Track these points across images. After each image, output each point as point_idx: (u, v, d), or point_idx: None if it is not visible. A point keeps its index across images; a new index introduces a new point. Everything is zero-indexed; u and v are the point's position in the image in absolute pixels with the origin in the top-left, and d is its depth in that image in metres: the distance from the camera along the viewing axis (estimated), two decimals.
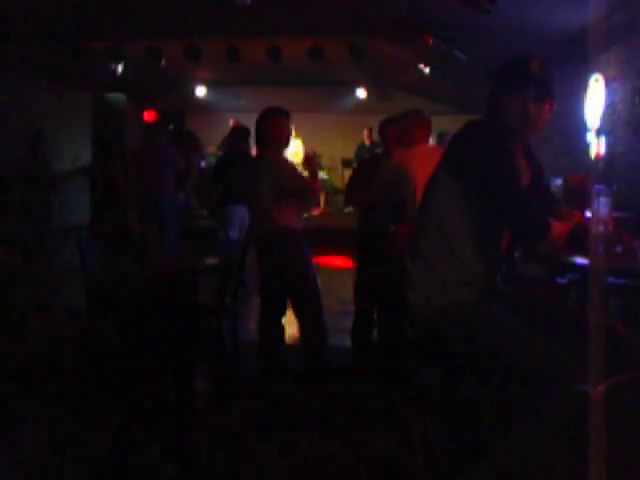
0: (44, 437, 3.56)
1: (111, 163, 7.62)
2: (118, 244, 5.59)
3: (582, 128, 6.56)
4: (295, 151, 12.02)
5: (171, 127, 8.85)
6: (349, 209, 10.43)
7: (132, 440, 3.53)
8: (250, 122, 7.98)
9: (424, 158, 3.32)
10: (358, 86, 12.43)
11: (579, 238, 2.31)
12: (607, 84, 6.14)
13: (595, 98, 6.31)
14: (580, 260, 2.77)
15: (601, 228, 2.39)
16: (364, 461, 3.32)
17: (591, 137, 6.38)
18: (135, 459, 3.35)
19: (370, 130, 11.61)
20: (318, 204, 11.13)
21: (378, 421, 3.78)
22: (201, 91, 12.62)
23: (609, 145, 6.11)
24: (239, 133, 6.92)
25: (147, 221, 6.85)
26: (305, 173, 4.50)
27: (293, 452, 3.43)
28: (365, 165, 4.48)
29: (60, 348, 4.94)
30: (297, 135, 12.18)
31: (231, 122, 6.95)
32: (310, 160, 4.54)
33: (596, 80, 6.30)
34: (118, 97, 12.17)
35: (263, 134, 4.15)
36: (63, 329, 5.35)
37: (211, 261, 4.54)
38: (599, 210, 2.47)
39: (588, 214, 2.77)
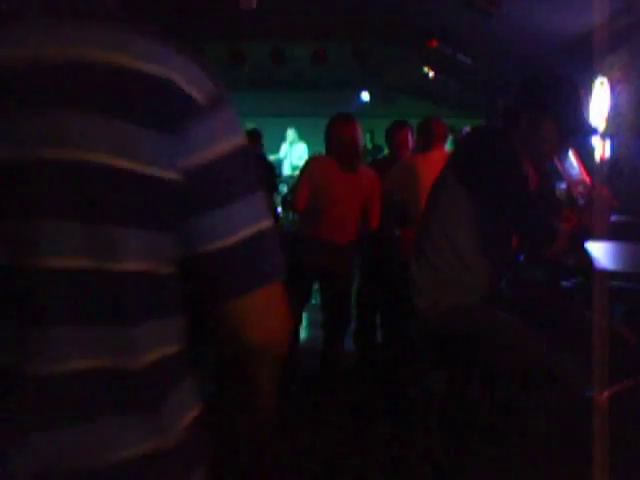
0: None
1: None
2: None
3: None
4: (300, 155, 12.01)
5: None
6: None
7: None
8: (254, 126, 8.01)
9: (436, 163, 3.32)
10: (362, 90, 12.42)
11: (577, 239, 2.31)
12: (612, 87, 6.13)
13: (600, 101, 6.29)
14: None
15: (581, 189, 2.37)
16: (367, 462, 3.31)
17: (596, 140, 6.36)
18: None
19: (372, 133, 11.56)
20: None
21: (381, 423, 3.78)
22: None
23: (614, 148, 6.09)
24: (254, 135, 6.96)
25: None
26: None
27: (294, 453, 3.43)
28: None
29: None
30: (301, 139, 12.20)
31: None
32: None
33: (601, 83, 6.28)
34: None
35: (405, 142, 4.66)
36: None
37: None
38: (571, 172, 2.43)
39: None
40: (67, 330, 0.79)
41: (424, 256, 2.48)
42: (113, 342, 0.81)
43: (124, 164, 0.78)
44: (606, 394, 1.85)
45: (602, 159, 6.15)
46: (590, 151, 6.29)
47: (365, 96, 12.48)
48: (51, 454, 0.79)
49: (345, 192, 4.06)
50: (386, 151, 6.30)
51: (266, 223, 0.88)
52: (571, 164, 2.44)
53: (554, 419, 2.11)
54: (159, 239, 0.83)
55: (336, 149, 4.09)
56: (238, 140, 0.86)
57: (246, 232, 0.85)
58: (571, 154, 2.44)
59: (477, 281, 2.44)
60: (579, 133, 2.44)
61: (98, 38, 0.79)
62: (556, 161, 2.44)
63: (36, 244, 0.78)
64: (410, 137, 4.70)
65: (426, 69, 9.16)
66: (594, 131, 2.55)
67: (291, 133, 12.16)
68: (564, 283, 3.53)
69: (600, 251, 2.75)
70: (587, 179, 2.41)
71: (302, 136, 12.15)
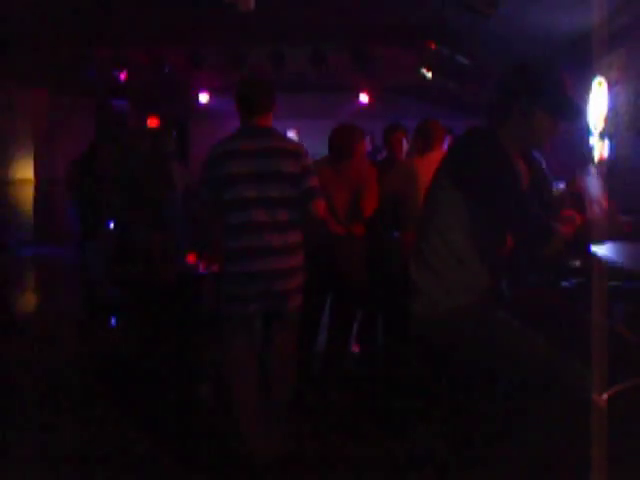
0: (46, 439, 3.56)
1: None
2: (121, 251, 5.61)
3: (585, 131, 6.54)
4: None
5: (174, 134, 8.92)
6: None
7: (135, 443, 3.53)
8: None
9: (434, 165, 3.32)
10: (361, 91, 12.42)
11: (581, 241, 2.30)
12: (610, 87, 6.13)
13: (598, 101, 6.29)
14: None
15: (597, 210, 2.37)
16: (368, 465, 3.31)
17: (595, 140, 6.36)
18: (138, 463, 3.35)
19: (372, 135, 11.53)
20: None
21: (382, 426, 3.77)
22: (204, 98, 12.63)
23: (612, 148, 6.09)
24: None
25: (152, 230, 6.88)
26: None
27: (296, 454, 3.42)
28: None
29: (60, 352, 4.94)
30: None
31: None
32: None
33: (599, 83, 6.28)
34: (121, 104, 12.19)
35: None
36: (63, 333, 5.34)
37: (213, 267, 4.55)
38: (591, 190, 2.44)
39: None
40: (265, 212, 3.38)
41: (422, 257, 2.48)
42: (288, 218, 3.40)
43: (288, 168, 3.39)
44: (605, 395, 1.84)
45: (601, 159, 6.14)
46: (589, 151, 6.29)
47: (364, 98, 12.48)
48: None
49: (333, 184, 4.16)
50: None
51: (316, 181, 3.46)
52: (594, 183, 2.46)
53: (554, 420, 2.10)
54: (294, 189, 3.39)
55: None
56: (310, 160, 3.52)
57: (313, 182, 3.43)
58: (596, 173, 2.48)
59: (476, 281, 2.44)
60: (569, 115, 2.43)
61: (272, 141, 3.48)
62: (578, 171, 2.47)
63: (267, 190, 3.36)
64: (404, 139, 4.73)
65: (424, 70, 9.16)
66: (582, 113, 2.54)
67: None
68: (564, 283, 3.53)
69: (603, 251, 2.74)
70: (605, 204, 2.42)
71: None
